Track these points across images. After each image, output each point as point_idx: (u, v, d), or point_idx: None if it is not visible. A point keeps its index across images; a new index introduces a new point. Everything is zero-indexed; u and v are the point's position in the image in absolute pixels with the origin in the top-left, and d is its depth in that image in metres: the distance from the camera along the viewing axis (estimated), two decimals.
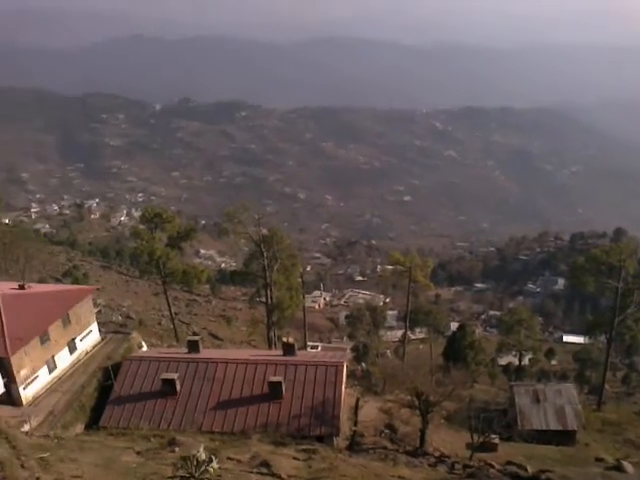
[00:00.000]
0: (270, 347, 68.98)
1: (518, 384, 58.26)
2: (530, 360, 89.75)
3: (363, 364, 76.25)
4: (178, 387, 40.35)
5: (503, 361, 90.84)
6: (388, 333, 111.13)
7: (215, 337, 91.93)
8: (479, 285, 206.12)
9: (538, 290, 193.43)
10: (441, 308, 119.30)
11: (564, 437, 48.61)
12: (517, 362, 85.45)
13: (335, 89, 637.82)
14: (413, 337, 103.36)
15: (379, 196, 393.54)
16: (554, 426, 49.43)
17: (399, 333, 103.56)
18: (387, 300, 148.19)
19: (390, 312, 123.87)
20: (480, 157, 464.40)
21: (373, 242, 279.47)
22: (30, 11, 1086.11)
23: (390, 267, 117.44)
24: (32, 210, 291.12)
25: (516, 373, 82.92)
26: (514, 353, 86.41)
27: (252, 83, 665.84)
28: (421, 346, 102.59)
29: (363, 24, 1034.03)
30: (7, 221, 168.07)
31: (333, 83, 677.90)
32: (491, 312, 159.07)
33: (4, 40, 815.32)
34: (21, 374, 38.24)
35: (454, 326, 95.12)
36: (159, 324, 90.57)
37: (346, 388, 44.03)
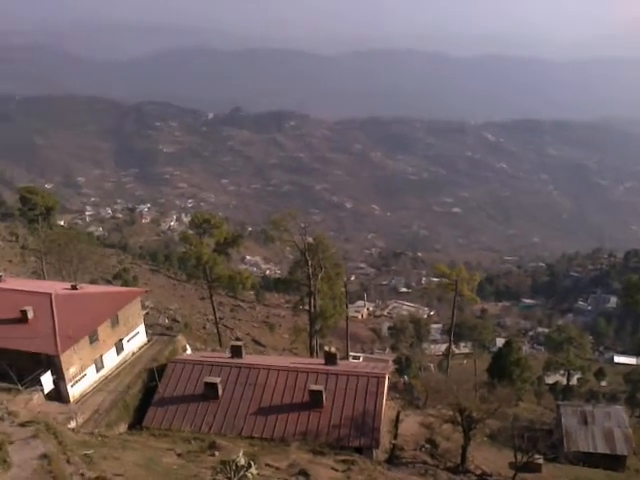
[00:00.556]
0: (312, 355, 69.00)
1: (565, 404, 56.33)
2: (579, 380, 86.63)
3: (405, 377, 75.28)
4: (220, 391, 40.77)
5: (550, 380, 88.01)
6: (432, 346, 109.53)
7: (258, 343, 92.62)
8: (527, 301, 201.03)
9: (589, 308, 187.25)
10: (487, 323, 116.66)
11: (613, 462, 46.62)
12: (565, 381, 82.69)
13: (385, 100, 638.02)
14: (457, 351, 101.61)
15: (427, 207, 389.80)
16: (602, 449, 47.49)
17: (443, 347, 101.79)
18: (431, 313, 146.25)
19: (434, 325, 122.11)
20: (533, 170, 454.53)
21: (419, 254, 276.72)
22: (93, 24, 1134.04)
23: (436, 279, 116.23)
24: (86, 213, 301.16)
25: (563, 393, 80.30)
26: (562, 372, 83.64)
27: (301, 93, 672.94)
28: (465, 361, 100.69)
29: (415, 36, 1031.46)
30: (62, 223, 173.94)
31: (383, 94, 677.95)
32: (539, 329, 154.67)
33: (67, 51, 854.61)
34: (70, 372, 39.35)
35: (500, 342, 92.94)
36: (204, 328, 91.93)
37: (387, 400, 43.55)
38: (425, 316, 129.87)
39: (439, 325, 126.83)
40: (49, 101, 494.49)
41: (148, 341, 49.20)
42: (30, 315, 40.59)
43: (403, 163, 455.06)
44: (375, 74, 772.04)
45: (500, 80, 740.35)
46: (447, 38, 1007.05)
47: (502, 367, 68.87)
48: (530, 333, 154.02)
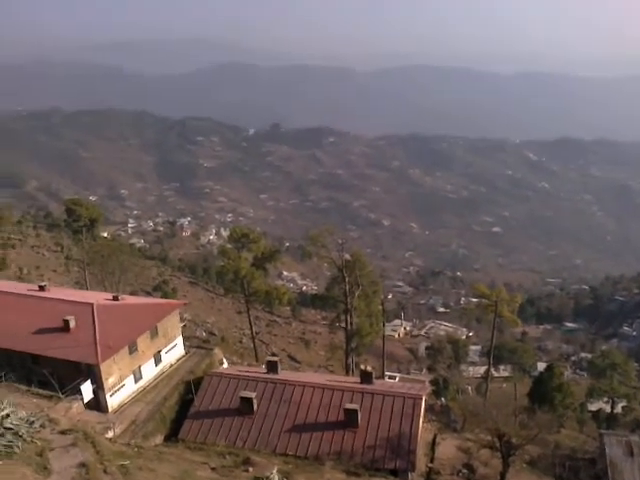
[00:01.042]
0: (347, 373, 68.44)
1: (609, 433, 54.10)
2: (623, 408, 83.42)
3: (442, 399, 73.85)
4: (255, 406, 40.74)
5: (593, 407, 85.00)
6: (470, 368, 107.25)
7: (293, 359, 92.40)
8: (570, 324, 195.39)
9: (634, 334, 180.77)
10: (527, 346, 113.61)
11: None
12: (609, 409, 79.83)
13: (425, 117, 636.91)
14: (496, 375, 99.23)
15: (466, 226, 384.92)
16: None
17: (482, 369, 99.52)
18: (470, 334, 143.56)
19: (473, 347, 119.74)
20: (575, 190, 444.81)
21: (458, 273, 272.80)
22: (139, 40, 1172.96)
23: (475, 300, 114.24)
24: (129, 225, 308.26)
25: (607, 421, 77.40)
26: (606, 399, 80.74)
27: (342, 109, 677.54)
28: (505, 385, 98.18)
29: (455, 53, 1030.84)
30: (105, 235, 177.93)
31: (423, 111, 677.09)
32: (582, 354, 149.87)
33: (112, 65, 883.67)
34: (109, 382, 39.92)
35: (541, 366, 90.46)
36: (240, 342, 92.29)
37: (423, 422, 42.79)
38: (463, 337, 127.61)
39: (478, 347, 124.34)
40: (94, 115, 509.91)
41: (186, 353, 49.60)
42: (72, 324, 41.42)
43: (442, 181, 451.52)
44: (417, 91, 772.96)
45: (539, 98, 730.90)
46: (486, 56, 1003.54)
47: (543, 392, 66.92)
48: (572, 358, 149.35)
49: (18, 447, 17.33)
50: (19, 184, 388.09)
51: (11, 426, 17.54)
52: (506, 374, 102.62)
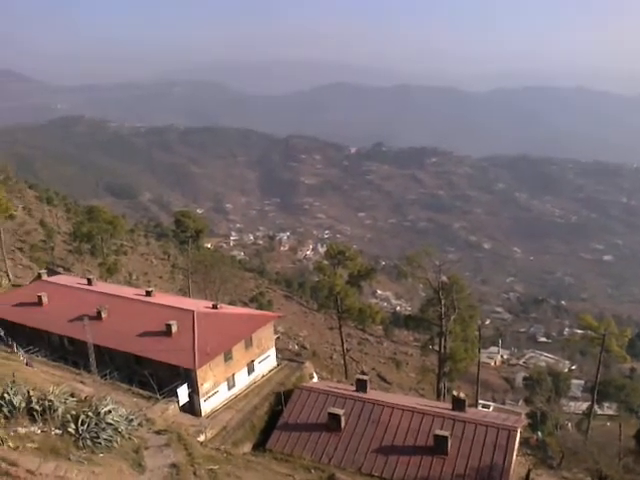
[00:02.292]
0: (438, 398, 66.66)
1: None
2: None
3: (539, 433, 69.96)
4: (343, 423, 40.58)
5: None
6: (571, 403, 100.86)
7: (383, 379, 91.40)
8: None
9: None
10: (636, 384, 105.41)
11: None
12: None
13: (534, 139, 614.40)
14: (600, 412, 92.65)
15: (574, 253, 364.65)
16: None
17: (584, 405, 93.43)
18: (573, 367, 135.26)
19: (575, 381, 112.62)
20: None
21: (562, 302, 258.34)
22: (251, 61, 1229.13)
23: (580, 331, 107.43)
24: (231, 238, 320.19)
25: None
26: None
27: (446, 130, 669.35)
28: (609, 424, 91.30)
29: (569, 72, 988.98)
30: (209, 246, 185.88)
31: (532, 132, 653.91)
32: None
33: (225, 87, 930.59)
34: (204, 387, 41.39)
35: None
36: (330, 358, 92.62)
37: (517, 456, 40.70)
38: (565, 370, 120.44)
39: (580, 381, 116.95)
40: (205, 132, 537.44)
41: (277, 365, 50.43)
42: (174, 329, 43.45)
43: (550, 205, 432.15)
44: (525, 112, 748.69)
45: None
46: (613, 75, 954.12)
47: None
48: None
49: (117, 442, 18.30)
50: (135, 195, 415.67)
51: (112, 422, 18.55)
52: (611, 412, 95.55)
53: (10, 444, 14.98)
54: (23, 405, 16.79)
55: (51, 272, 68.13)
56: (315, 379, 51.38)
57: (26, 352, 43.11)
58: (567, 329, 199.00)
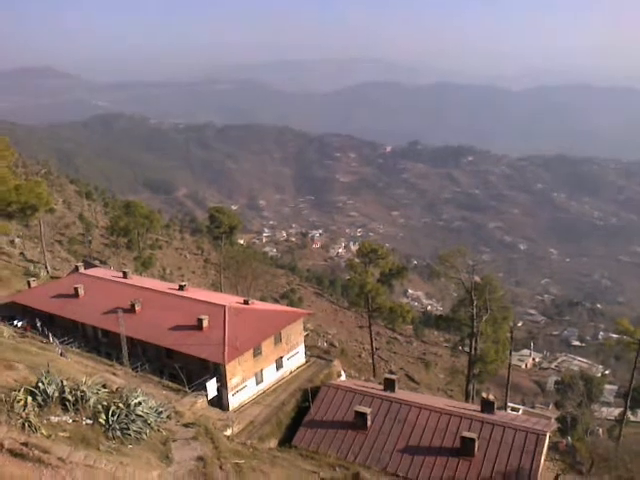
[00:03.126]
0: (467, 400, 66.17)
1: None
2: None
3: (569, 438, 68.69)
4: (369, 422, 40.64)
5: None
6: (603, 409, 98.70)
7: (411, 379, 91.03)
8: None
9: None
10: None
11: None
12: None
13: (574, 137, 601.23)
14: (633, 419, 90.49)
15: (612, 256, 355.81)
16: None
17: (616, 411, 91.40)
18: (606, 372, 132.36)
19: (608, 386, 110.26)
20: None
21: (598, 305, 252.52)
22: (291, 60, 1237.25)
23: (615, 336, 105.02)
24: (264, 234, 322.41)
25: None
26: None
27: (485, 128, 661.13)
28: None
29: (616, 71, 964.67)
30: (242, 242, 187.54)
31: (573, 131, 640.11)
32: None
33: (266, 85, 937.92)
34: (232, 381, 41.97)
35: None
36: (359, 356, 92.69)
37: (545, 460, 40.14)
38: (599, 374, 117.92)
39: (614, 387, 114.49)
40: (242, 129, 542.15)
41: (306, 362, 50.76)
42: (205, 324, 44.16)
43: (589, 206, 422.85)
44: (567, 110, 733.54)
45: None
46: None
47: None
48: None
49: (146, 434, 18.73)
50: (171, 190, 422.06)
51: (142, 414, 18.98)
52: None
53: (43, 432, 15.53)
54: (56, 395, 17.35)
55: (88, 265, 69.88)
56: (343, 377, 51.55)
57: (61, 343, 44.39)
58: (602, 333, 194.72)
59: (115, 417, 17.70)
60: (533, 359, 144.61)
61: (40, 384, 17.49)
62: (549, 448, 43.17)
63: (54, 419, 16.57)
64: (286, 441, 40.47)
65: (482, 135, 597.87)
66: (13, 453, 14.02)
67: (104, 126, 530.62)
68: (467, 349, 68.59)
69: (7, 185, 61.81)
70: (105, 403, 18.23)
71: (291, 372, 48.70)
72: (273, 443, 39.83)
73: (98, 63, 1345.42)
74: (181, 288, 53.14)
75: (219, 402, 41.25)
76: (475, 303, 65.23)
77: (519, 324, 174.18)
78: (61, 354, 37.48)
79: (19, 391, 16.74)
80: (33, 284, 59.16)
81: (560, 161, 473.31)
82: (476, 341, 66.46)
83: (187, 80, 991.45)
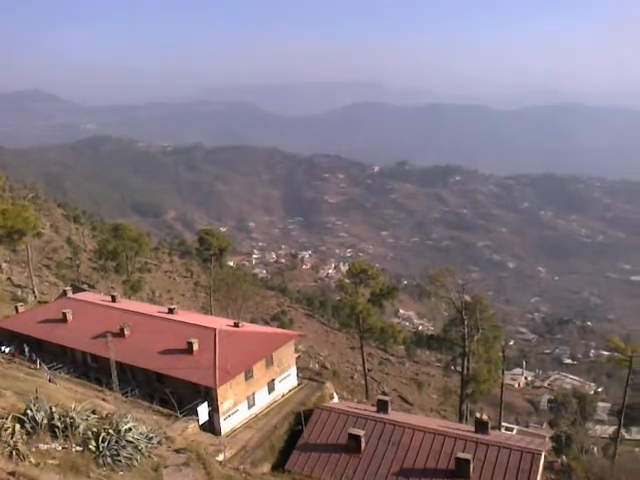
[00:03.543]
0: (461, 420, 65.71)
1: None
2: None
3: (564, 457, 68.35)
4: (363, 445, 40.14)
5: None
6: (597, 427, 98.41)
7: (404, 400, 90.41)
8: None
9: None
10: None
11: None
12: None
13: (560, 157, 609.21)
14: (627, 437, 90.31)
15: (600, 273, 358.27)
16: None
17: (610, 429, 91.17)
18: (599, 390, 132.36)
19: (601, 404, 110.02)
20: None
21: (588, 323, 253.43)
22: (280, 83, 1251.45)
23: (607, 353, 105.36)
24: (253, 256, 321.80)
25: None
26: None
27: (472, 148, 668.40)
28: (637, 449, 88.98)
29: (597, 90, 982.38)
30: (232, 264, 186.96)
31: (559, 150, 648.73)
32: None
33: (255, 107, 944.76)
34: (224, 406, 41.40)
35: None
36: (351, 378, 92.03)
37: None
38: (591, 392, 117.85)
39: (607, 404, 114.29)
40: (231, 151, 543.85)
41: (298, 384, 50.26)
42: (195, 347, 43.69)
43: (576, 224, 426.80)
44: (552, 130, 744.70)
45: None
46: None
47: None
48: None
49: (137, 460, 18.39)
50: (160, 213, 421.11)
51: (132, 440, 18.66)
52: (639, 437, 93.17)
53: (32, 460, 15.18)
54: (45, 421, 17.02)
55: (76, 289, 69.17)
56: (335, 399, 51.07)
57: (50, 368, 43.70)
58: (593, 351, 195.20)
59: (105, 443, 17.36)
60: (525, 378, 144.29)
61: (28, 411, 17.14)
62: (544, 468, 42.86)
63: (43, 446, 16.22)
64: (279, 465, 39.88)
65: (469, 155, 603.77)
66: None
67: (92, 149, 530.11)
68: (459, 369, 68.30)
69: None
70: (95, 429, 17.90)
71: (283, 395, 48.16)
72: (266, 468, 39.22)
73: (86, 86, 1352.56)
74: (171, 311, 52.67)
75: (211, 427, 40.63)
76: (466, 322, 65.14)
77: (510, 343, 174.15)
78: (50, 380, 36.88)
79: (7, 418, 16.39)
80: (21, 309, 58.38)
81: (546, 179, 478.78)
82: (468, 360, 66.25)
83: (176, 102, 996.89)
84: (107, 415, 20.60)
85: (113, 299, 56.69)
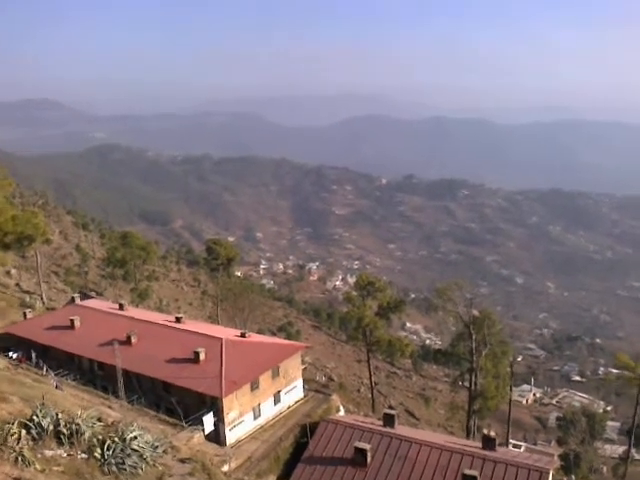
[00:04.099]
0: (468, 436, 65.02)
1: None
2: None
3: (572, 477, 67.48)
4: (369, 459, 39.68)
5: None
6: (606, 446, 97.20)
7: (411, 415, 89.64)
8: None
9: None
10: None
11: None
12: None
13: (569, 173, 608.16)
14: (637, 457, 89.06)
15: (610, 290, 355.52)
16: None
17: (620, 449, 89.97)
18: (608, 408, 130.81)
19: (610, 422, 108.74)
20: None
21: (597, 340, 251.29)
22: (289, 95, 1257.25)
23: (616, 371, 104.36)
24: (261, 266, 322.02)
25: None
26: None
27: (479, 162, 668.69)
28: None
29: (608, 107, 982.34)
30: (239, 274, 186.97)
31: (568, 166, 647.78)
32: None
33: (262, 118, 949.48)
34: (230, 416, 41.13)
35: None
36: (358, 391, 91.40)
37: None
38: (600, 411, 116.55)
39: (616, 423, 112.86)
40: (239, 162, 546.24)
41: (304, 396, 49.86)
42: (202, 357, 43.49)
43: (585, 240, 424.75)
44: (561, 145, 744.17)
45: None
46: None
47: None
48: None
49: (142, 469, 18.21)
50: (167, 222, 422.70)
51: (137, 448, 18.50)
52: None
53: (37, 466, 15.07)
54: (51, 428, 16.91)
55: (84, 296, 69.26)
56: (342, 412, 50.62)
57: (56, 375, 43.63)
58: (602, 368, 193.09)
59: (110, 451, 17.22)
60: (534, 394, 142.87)
61: (35, 417, 17.05)
62: None
63: (48, 453, 16.10)
64: (284, 478, 39.51)
65: (477, 169, 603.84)
66: None
67: (101, 157, 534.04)
68: (467, 384, 67.72)
69: (4, 215, 61.51)
70: (100, 437, 17.76)
71: (289, 407, 47.79)
72: (271, 479, 38.87)
73: (96, 95, 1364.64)
74: (178, 320, 52.54)
75: (216, 437, 40.34)
76: (474, 337, 64.65)
77: (519, 359, 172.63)
78: (56, 386, 36.81)
79: (13, 424, 16.29)
80: (29, 315, 58.48)
81: (555, 195, 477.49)
82: (476, 376, 65.68)
83: (185, 113, 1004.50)
84: (113, 423, 20.47)
85: (121, 307, 56.65)
